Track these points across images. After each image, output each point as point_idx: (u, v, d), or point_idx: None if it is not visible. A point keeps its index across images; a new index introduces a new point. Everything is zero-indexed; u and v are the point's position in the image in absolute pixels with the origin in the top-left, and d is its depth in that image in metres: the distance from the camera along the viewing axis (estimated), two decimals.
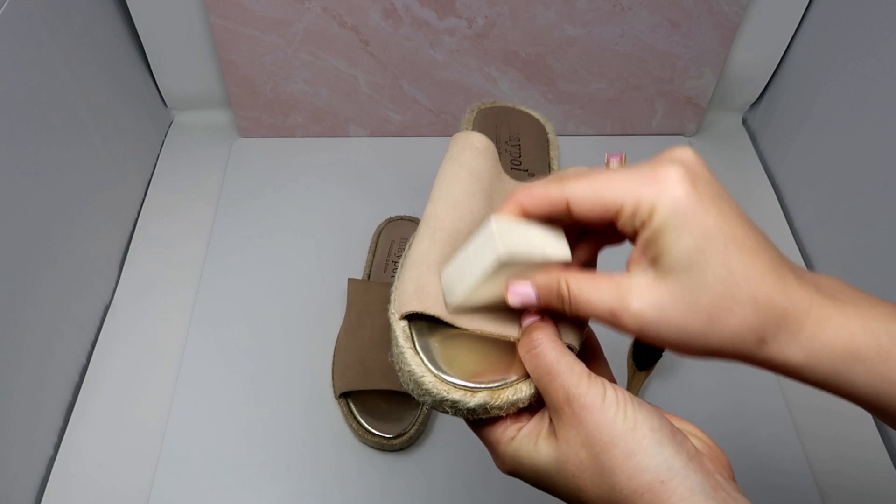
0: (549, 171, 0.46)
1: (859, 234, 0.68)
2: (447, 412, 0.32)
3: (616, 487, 0.29)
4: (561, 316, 0.34)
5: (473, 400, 0.32)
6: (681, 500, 0.27)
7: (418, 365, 0.32)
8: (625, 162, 0.32)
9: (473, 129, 0.48)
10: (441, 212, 0.37)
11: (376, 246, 0.73)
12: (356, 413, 0.61)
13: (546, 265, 0.32)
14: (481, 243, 0.32)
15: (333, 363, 0.65)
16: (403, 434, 0.59)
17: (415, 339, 0.33)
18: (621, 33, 0.76)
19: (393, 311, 0.35)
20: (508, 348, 0.34)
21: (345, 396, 0.62)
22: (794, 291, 0.29)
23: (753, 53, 0.82)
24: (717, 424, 0.63)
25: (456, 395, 0.32)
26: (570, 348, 0.34)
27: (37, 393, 0.59)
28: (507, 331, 0.34)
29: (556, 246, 0.32)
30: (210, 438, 0.61)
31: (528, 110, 0.51)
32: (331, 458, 0.60)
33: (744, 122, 0.90)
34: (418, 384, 0.32)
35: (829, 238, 0.73)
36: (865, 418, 0.64)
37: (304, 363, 0.66)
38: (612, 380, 0.33)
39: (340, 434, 0.61)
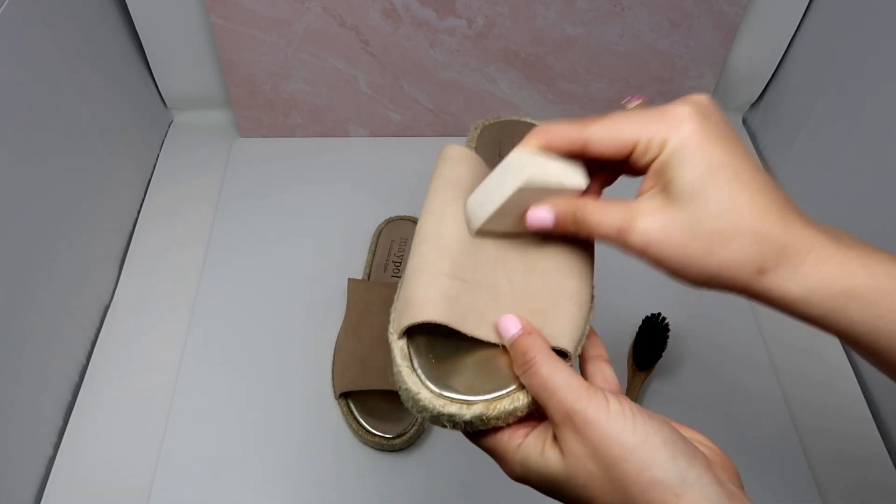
0: None
1: (860, 233, 0.67)
2: (446, 426, 0.33)
3: (629, 498, 0.29)
4: (553, 320, 0.34)
5: (469, 412, 0.32)
6: None
7: (414, 382, 0.33)
8: (645, 105, 0.33)
9: (477, 146, 0.49)
10: (425, 224, 0.38)
11: (376, 246, 0.73)
12: (356, 413, 0.61)
13: (563, 192, 0.34)
14: (503, 171, 0.34)
15: (333, 363, 0.65)
16: (403, 434, 0.59)
17: (412, 357, 0.34)
18: (621, 33, 0.76)
19: (391, 331, 0.35)
20: (506, 359, 0.34)
21: (345, 396, 0.62)
22: (798, 230, 0.30)
23: (753, 53, 0.81)
24: (716, 424, 0.63)
25: (452, 408, 0.32)
26: (564, 353, 0.34)
27: (37, 393, 0.59)
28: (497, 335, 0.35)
29: (573, 175, 0.34)
30: (210, 438, 0.61)
31: (531, 120, 0.52)
32: (331, 458, 0.60)
33: (744, 121, 0.90)
34: (415, 401, 0.33)
35: None
36: (865, 416, 0.64)
37: (304, 363, 0.65)
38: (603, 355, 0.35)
39: (340, 434, 0.61)
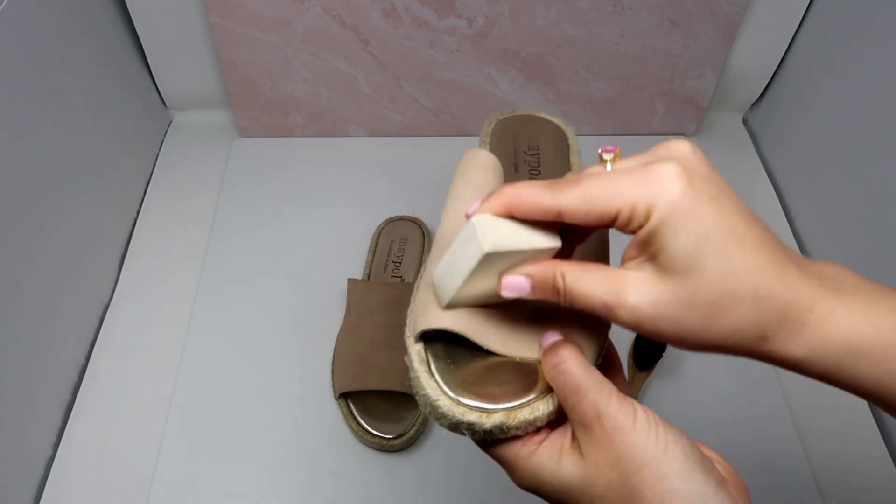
0: None
1: (860, 233, 0.68)
2: (464, 434, 0.32)
3: None
4: (579, 335, 0.34)
5: (489, 421, 0.31)
6: None
7: (433, 388, 0.32)
8: (619, 156, 0.31)
9: (492, 141, 0.48)
10: (447, 230, 0.37)
11: (376, 246, 0.73)
12: (356, 413, 0.60)
13: (538, 256, 0.32)
14: (465, 239, 0.31)
15: (333, 363, 0.65)
16: (403, 435, 0.59)
17: (430, 362, 0.33)
18: (621, 33, 0.76)
19: (408, 334, 0.35)
20: (524, 369, 0.34)
21: (344, 397, 0.62)
22: (797, 285, 0.28)
23: (754, 53, 0.81)
24: (716, 424, 0.63)
25: (472, 416, 0.31)
26: None
27: (36, 393, 0.59)
28: (524, 352, 0.34)
29: (544, 235, 0.31)
30: (209, 438, 0.61)
31: (548, 117, 0.51)
32: (331, 459, 0.60)
33: (744, 121, 0.90)
34: (434, 408, 0.32)
35: (829, 238, 0.73)
36: (865, 416, 0.64)
37: (304, 363, 0.65)
38: (625, 390, 0.33)
39: (340, 434, 0.61)
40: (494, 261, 0.31)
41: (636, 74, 0.80)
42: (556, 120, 0.50)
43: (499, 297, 0.32)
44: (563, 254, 0.33)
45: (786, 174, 0.82)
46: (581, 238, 0.34)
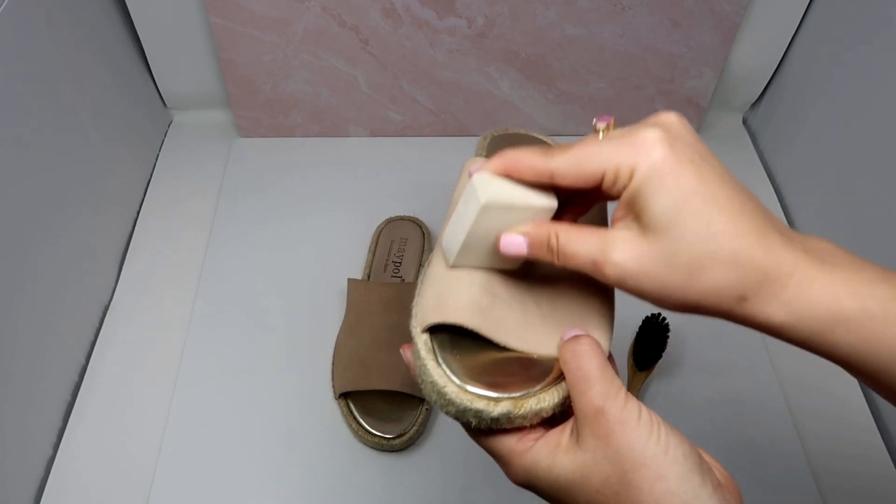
0: None
1: (860, 233, 0.68)
2: (470, 422, 0.32)
3: None
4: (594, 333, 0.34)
5: (497, 409, 0.32)
6: None
7: (440, 376, 0.33)
8: (612, 127, 0.32)
9: (487, 154, 0.49)
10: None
11: (376, 246, 0.73)
12: (356, 413, 0.60)
13: (536, 216, 0.33)
14: (467, 196, 0.33)
15: (333, 363, 0.65)
16: (403, 434, 0.59)
17: (436, 351, 0.34)
18: (621, 33, 0.76)
19: (415, 324, 0.35)
20: (530, 362, 0.34)
21: (344, 396, 0.62)
22: (778, 252, 0.29)
23: (754, 53, 0.81)
24: (716, 424, 0.63)
25: (479, 404, 0.32)
26: None
27: (36, 393, 0.59)
28: (536, 349, 0.35)
29: (540, 195, 0.33)
30: (209, 438, 0.61)
31: (539, 136, 0.52)
32: (330, 459, 0.60)
33: (744, 121, 0.90)
34: (441, 394, 0.32)
35: (828, 238, 0.73)
36: (865, 417, 0.64)
37: (304, 363, 0.65)
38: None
39: (340, 434, 0.61)
40: (493, 217, 0.33)
41: (636, 74, 0.80)
42: (547, 139, 0.51)
43: (501, 258, 0.34)
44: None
45: (786, 174, 0.82)
46: (582, 209, 0.36)
